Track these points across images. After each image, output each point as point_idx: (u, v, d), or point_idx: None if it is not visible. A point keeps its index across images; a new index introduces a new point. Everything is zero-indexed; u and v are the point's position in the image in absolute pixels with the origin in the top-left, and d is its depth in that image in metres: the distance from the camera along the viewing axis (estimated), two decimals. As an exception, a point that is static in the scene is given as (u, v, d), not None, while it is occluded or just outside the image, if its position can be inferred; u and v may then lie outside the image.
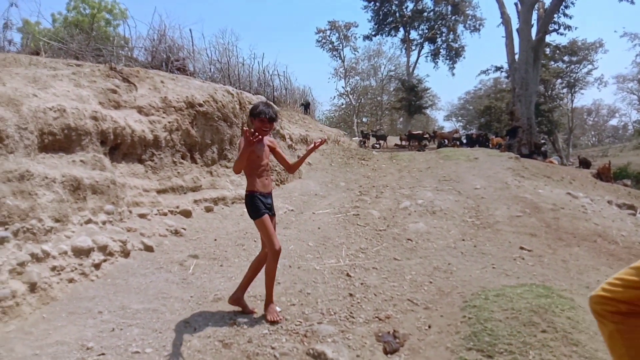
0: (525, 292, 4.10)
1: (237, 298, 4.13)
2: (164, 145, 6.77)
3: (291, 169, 4.31)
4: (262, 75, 18.60)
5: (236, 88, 14.74)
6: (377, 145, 24.53)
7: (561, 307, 3.77)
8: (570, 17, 24.01)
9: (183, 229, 6.17)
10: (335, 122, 46.13)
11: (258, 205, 3.88)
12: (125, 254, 5.11)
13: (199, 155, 7.47)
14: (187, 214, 6.56)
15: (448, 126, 57.97)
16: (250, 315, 4.08)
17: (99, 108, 5.88)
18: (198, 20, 41.16)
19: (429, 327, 3.84)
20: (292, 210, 7.81)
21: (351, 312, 4.16)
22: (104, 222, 5.20)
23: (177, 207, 6.52)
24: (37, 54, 9.74)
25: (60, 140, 5.15)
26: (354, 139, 25.22)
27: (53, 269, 4.28)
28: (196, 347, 3.54)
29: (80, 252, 4.58)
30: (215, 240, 6.13)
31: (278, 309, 4.13)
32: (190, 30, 19.21)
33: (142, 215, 5.90)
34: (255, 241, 6.19)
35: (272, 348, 3.49)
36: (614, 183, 14.18)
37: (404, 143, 25.05)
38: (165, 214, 6.30)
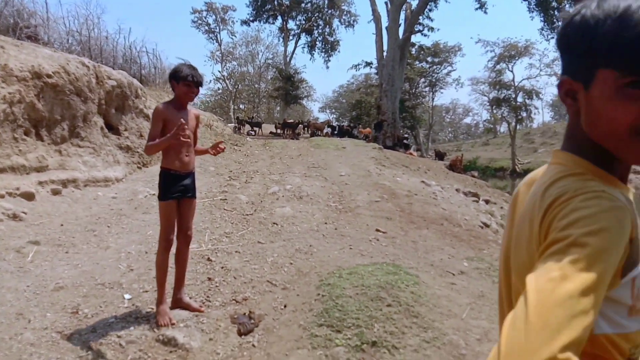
0: (376, 270, 4.34)
1: (176, 300, 3.69)
2: (3, 119, 5.96)
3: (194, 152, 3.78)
4: (129, 50, 17.39)
5: (97, 62, 13.62)
6: (252, 133, 24.39)
7: (406, 283, 4.06)
8: (432, 20, 26.03)
9: (23, 212, 5.52)
10: (211, 107, 44.92)
11: (167, 187, 3.49)
12: (-54, 240, 4.43)
13: (46, 132, 6.70)
14: (29, 196, 5.87)
15: (323, 117, 59.77)
16: (194, 312, 3.63)
17: None
18: None
19: (285, 306, 3.89)
20: (153, 194, 7.39)
21: (208, 296, 4.07)
22: None
23: (18, 188, 5.81)
24: None
25: None
26: (229, 125, 24.75)
27: None
28: (29, 340, 3.19)
29: None
30: (62, 225, 5.59)
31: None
32: (44, -6, 17.22)
33: (-29, 197, 5.17)
34: (108, 227, 5.77)
35: (118, 336, 3.27)
36: (464, 174, 15.74)
37: (279, 131, 25.23)
38: (2, 196, 5.57)
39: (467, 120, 72.55)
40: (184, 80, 3.41)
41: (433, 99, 49.52)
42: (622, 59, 0.74)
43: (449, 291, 4.30)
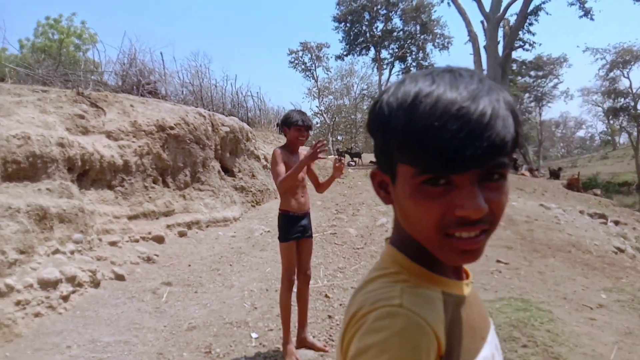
0: (504, 307, 4.09)
1: (301, 339, 3.79)
2: (135, 170, 6.62)
3: (321, 187, 3.88)
4: (235, 96, 18.58)
5: (209, 110, 14.69)
6: (353, 163, 24.61)
7: (540, 320, 3.76)
8: (534, 34, 24.75)
9: (156, 255, 6.00)
10: (311, 140, 46.24)
11: (286, 228, 3.62)
12: (95, 284, 4.92)
13: (171, 179, 7.31)
14: (159, 239, 6.39)
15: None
16: (319, 352, 3.70)
17: (65, 134, 5.72)
18: (169, 43, 40.27)
19: (410, 347, 3.77)
20: (268, 231, 7.69)
21: (330, 335, 4.08)
22: (72, 252, 5.00)
23: (150, 232, 6.35)
24: (2, 80, 9.55)
25: (25, 169, 4.97)
26: (329, 157, 25.24)
27: (17, 303, 4.08)
28: (170, 380, 3.40)
29: (47, 284, 4.39)
30: (190, 265, 5.98)
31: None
32: (161, 53, 19.00)
33: (112, 243, 5.72)
34: (230, 265, 6.07)
35: (250, 376, 3.37)
36: (584, 193, 14.49)
37: (379, 160, 25.16)
38: (137, 241, 6.12)
39: (581, 133, 67.10)
40: (295, 125, 3.58)
41: (540, 114, 46.80)
42: (411, 156, 0.65)
43: (590, 328, 3.91)
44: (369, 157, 27.77)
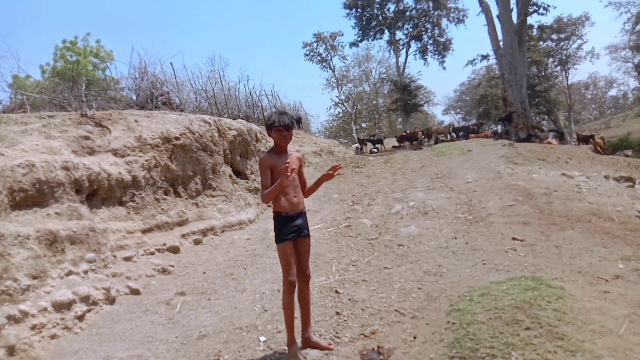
0: (512, 287, 3.97)
1: (305, 339, 3.78)
2: (144, 184, 6.73)
3: (306, 193, 3.90)
4: (250, 97, 18.66)
5: (224, 114, 14.81)
6: (375, 150, 24.40)
7: (548, 299, 3.63)
8: (547, -4, 23.76)
9: (171, 266, 6.10)
10: (335, 131, 46.14)
11: (281, 229, 3.65)
12: (110, 300, 5.05)
13: (182, 188, 7.42)
14: (175, 249, 6.49)
15: (447, 119, 57.75)
16: (324, 351, 3.68)
17: (71, 157, 5.86)
18: (177, 52, 40.42)
19: (415, 337, 3.71)
20: (284, 230, 7.70)
21: (337, 332, 4.05)
22: (85, 272, 5.14)
23: (164, 244, 6.46)
24: (20, 108, 9.88)
25: (32, 196, 5.12)
26: (353, 145, 25.12)
27: (33, 327, 4.22)
28: (178, 391, 3.45)
29: (61, 306, 4.52)
30: (204, 273, 6.05)
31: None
32: (171, 63, 19.31)
33: (127, 258, 5.84)
34: (244, 268, 6.11)
35: (254, 381, 3.39)
36: (613, 155, 13.91)
37: (401, 145, 24.94)
38: (152, 253, 6.24)
39: (612, 92, 64.25)
40: (275, 127, 3.58)
41: (567, 77, 45.16)
42: None
43: (602, 302, 3.76)
44: (392, 141, 27.50)
